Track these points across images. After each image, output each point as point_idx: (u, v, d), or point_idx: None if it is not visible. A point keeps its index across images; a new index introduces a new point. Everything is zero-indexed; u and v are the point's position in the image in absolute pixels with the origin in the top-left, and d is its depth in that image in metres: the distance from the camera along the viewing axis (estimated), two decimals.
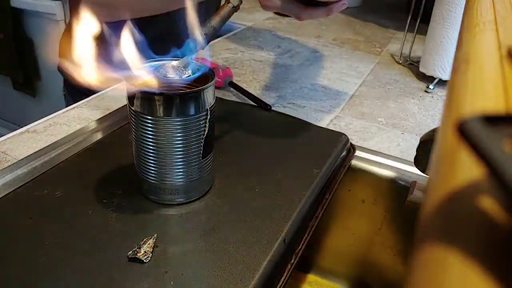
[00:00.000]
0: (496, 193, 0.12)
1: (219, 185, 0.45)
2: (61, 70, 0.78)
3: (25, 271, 0.33)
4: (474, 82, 0.17)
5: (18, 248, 0.36)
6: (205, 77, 0.39)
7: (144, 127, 0.37)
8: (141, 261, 0.35)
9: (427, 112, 0.67)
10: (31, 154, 0.48)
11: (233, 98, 0.65)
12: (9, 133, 0.53)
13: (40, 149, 0.49)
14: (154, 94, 0.36)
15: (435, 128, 0.44)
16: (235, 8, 0.45)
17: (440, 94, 0.74)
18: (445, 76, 0.75)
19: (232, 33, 0.97)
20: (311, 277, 0.63)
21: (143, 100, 0.36)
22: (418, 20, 0.83)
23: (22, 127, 0.54)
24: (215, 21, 0.43)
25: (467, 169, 0.13)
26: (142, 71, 0.37)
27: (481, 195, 0.12)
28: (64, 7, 1.42)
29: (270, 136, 0.54)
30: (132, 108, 0.37)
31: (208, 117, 0.38)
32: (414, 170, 0.49)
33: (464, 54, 0.20)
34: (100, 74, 0.33)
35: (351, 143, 0.56)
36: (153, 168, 0.39)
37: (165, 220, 0.40)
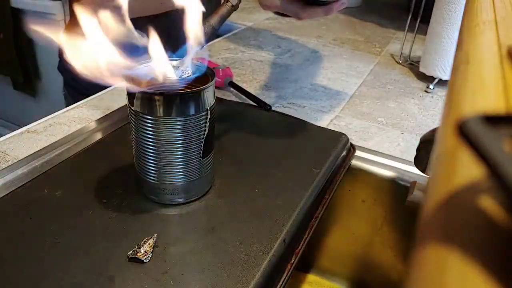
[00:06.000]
0: (496, 193, 0.12)
1: (219, 185, 0.45)
2: (61, 70, 0.78)
3: (25, 271, 0.33)
4: (474, 82, 0.17)
5: (18, 248, 0.36)
6: (205, 77, 0.39)
7: (144, 127, 0.37)
8: (141, 261, 0.35)
9: (427, 112, 0.67)
10: (31, 154, 0.48)
11: (233, 98, 0.65)
12: (9, 133, 0.53)
13: (40, 149, 0.49)
14: (154, 94, 0.36)
15: (435, 128, 0.44)
16: (234, 8, 0.45)
17: (440, 94, 0.74)
18: (445, 76, 0.75)
19: (232, 33, 0.97)
20: (311, 277, 0.63)
21: (143, 100, 0.36)
22: (418, 20, 0.83)
23: (22, 127, 0.54)
24: (214, 20, 0.43)
25: (467, 169, 0.13)
26: (142, 70, 0.37)
27: (481, 195, 0.12)
28: (64, 7, 1.42)
29: (270, 136, 0.54)
30: (132, 108, 0.37)
31: (208, 117, 0.38)
32: (414, 170, 0.49)
33: (464, 54, 0.20)
34: (101, 71, 0.33)
35: (351, 143, 0.56)
36: (153, 168, 0.39)
37: (165, 220, 0.40)
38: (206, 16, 0.44)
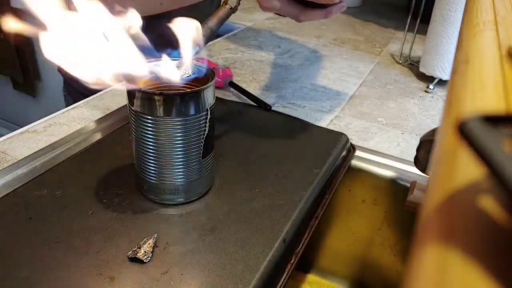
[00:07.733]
0: (496, 193, 0.12)
1: (219, 185, 0.45)
2: (61, 70, 0.78)
3: (25, 271, 0.33)
4: (474, 82, 0.17)
5: (18, 248, 0.35)
6: (205, 77, 0.39)
7: (144, 127, 0.37)
8: (141, 261, 0.35)
9: (427, 112, 0.67)
10: (31, 154, 0.48)
11: (233, 98, 0.65)
12: (9, 133, 0.53)
13: (40, 149, 0.49)
14: (154, 94, 0.36)
15: (435, 128, 0.44)
16: (233, 10, 0.45)
17: (440, 94, 0.74)
18: (445, 76, 0.75)
19: (232, 33, 0.97)
20: (311, 277, 0.63)
21: (143, 100, 0.36)
22: (418, 20, 0.83)
23: (22, 127, 0.54)
24: (212, 22, 0.43)
25: (467, 169, 0.13)
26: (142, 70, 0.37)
27: (481, 195, 0.12)
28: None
29: (270, 136, 0.54)
30: (132, 108, 0.37)
31: (208, 117, 0.38)
32: (414, 170, 0.49)
33: (464, 54, 0.20)
34: (101, 73, 0.33)
35: (351, 143, 0.56)
36: (153, 168, 0.39)
37: (165, 220, 0.40)
38: (205, 18, 0.44)
